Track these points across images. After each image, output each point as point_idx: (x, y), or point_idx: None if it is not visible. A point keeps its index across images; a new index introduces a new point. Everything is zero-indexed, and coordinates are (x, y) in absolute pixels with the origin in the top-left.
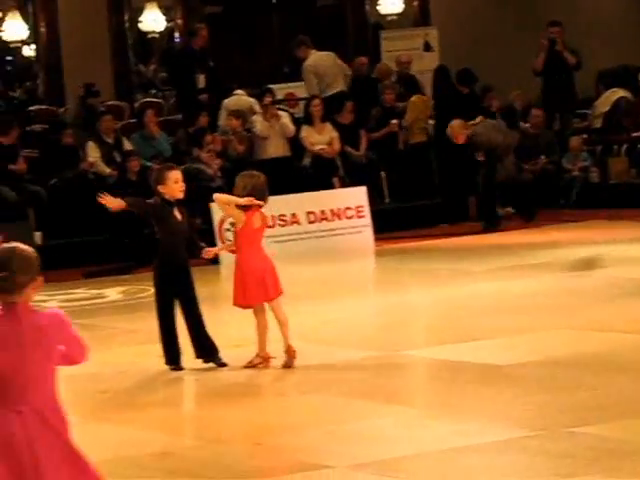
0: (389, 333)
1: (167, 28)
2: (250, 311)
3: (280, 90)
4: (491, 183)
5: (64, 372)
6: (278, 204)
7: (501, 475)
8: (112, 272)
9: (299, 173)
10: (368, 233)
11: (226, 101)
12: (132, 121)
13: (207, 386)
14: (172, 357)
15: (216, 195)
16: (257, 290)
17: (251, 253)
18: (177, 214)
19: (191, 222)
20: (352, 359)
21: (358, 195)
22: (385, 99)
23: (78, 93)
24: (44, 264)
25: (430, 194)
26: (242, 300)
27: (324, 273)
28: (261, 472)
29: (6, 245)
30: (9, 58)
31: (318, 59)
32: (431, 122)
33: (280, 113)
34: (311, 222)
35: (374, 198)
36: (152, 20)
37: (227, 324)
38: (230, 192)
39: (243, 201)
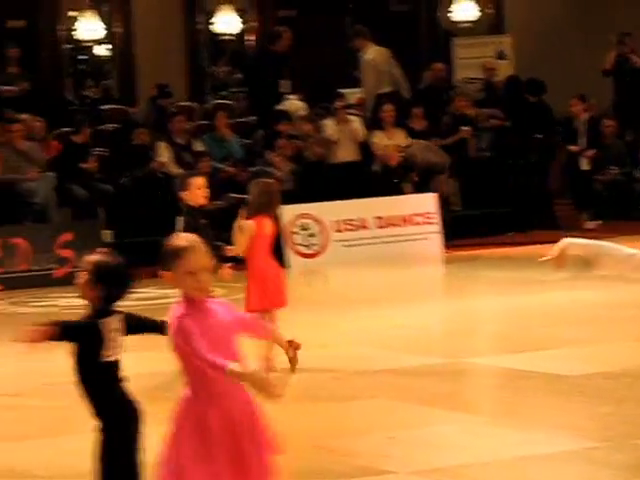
0: (455, 340)
1: (241, 30)
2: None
3: (351, 95)
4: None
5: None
6: (347, 208)
7: None
8: None
9: (368, 177)
10: (436, 239)
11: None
12: (203, 122)
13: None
14: None
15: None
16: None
17: (261, 259)
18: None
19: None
20: (418, 365)
21: (427, 201)
22: (456, 106)
23: (150, 93)
24: None
25: (502, 202)
26: (258, 305)
27: (391, 278)
28: (321, 475)
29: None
30: (83, 57)
31: (377, 54)
32: None
33: (350, 117)
34: (380, 227)
35: (445, 205)
36: (226, 22)
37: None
38: (299, 195)
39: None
